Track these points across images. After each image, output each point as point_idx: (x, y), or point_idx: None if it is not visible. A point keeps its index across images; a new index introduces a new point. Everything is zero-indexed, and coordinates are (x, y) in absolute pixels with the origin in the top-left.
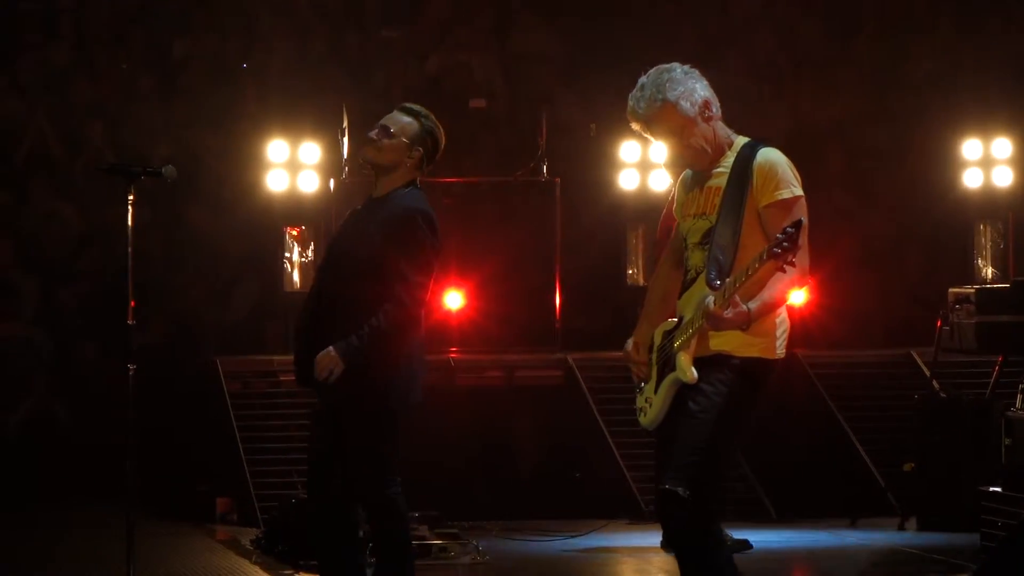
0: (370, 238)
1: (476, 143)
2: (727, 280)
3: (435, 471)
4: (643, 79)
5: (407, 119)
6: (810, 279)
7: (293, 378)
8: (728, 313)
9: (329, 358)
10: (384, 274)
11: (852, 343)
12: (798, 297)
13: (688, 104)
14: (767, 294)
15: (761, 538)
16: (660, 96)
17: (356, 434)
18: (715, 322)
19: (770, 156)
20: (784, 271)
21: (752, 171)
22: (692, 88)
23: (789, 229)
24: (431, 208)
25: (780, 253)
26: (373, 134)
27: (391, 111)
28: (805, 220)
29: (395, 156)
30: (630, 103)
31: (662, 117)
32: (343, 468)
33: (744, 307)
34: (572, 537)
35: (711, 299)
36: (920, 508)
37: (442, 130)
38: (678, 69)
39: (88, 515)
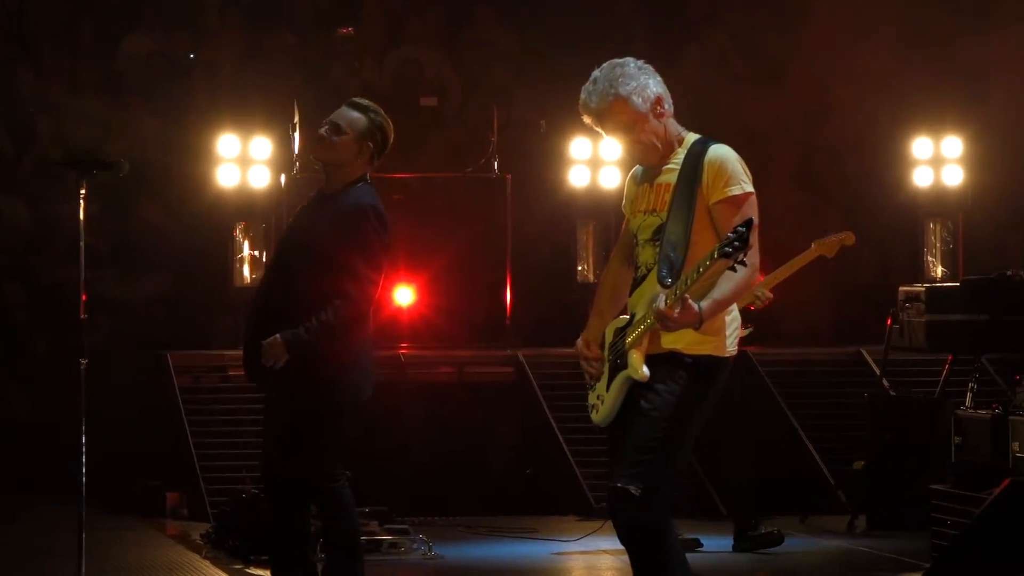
0: (321, 234)
1: (427, 140)
2: (678, 279)
3: (385, 467)
4: (596, 72)
5: (356, 115)
6: (760, 277)
7: (243, 373)
8: (678, 313)
9: (275, 345)
10: (334, 269)
11: (803, 341)
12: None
13: (640, 100)
14: (718, 293)
15: (711, 536)
16: (612, 90)
17: (303, 428)
18: (665, 322)
19: (721, 152)
20: (735, 270)
21: (703, 167)
22: (645, 83)
23: (740, 228)
24: (381, 204)
25: (731, 252)
26: (323, 131)
27: (341, 106)
28: (756, 219)
29: (346, 153)
30: (582, 96)
31: (614, 112)
32: (292, 461)
33: (695, 307)
34: (525, 534)
35: (662, 299)
36: (870, 506)
37: (391, 124)
38: (632, 64)
39: (38, 510)
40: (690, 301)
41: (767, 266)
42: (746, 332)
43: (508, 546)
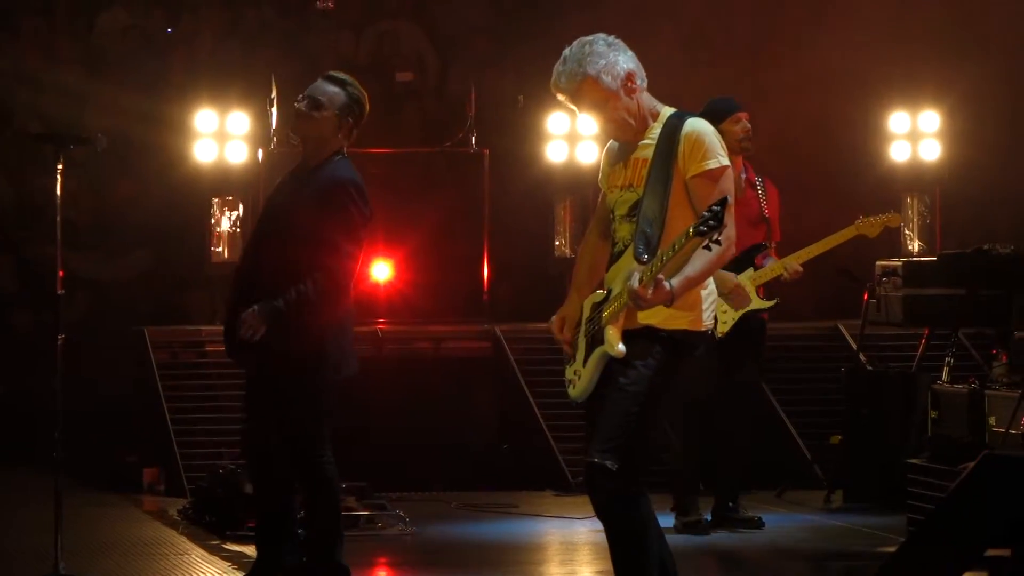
0: (300, 208)
1: (404, 114)
2: (655, 256)
3: (362, 442)
4: (567, 51)
5: (334, 89)
6: (734, 251)
7: (221, 348)
8: (651, 292)
9: (252, 316)
10: (314, 243)
11: (779, 315)
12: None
13: (609, 78)
14: (690, 270)
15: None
16: (581, 70)
17: (288, 404)
18: (638, 302)
19: (697, 126)
20: (709, 248)
21: (679, 141)
22: (614, 61)
23: (715, 207)
24: (361, 178)
25: (706, 231)
26: (302, 106)
27: (317, 80)
28: (731, 197)
29: (326, 128)
30: (553, 76)
31: (583, 91)
32: (276, 437)
33: (667, 285)
34: (502, 509)
35: (636, 278)
36: (846, 481)
37: (367, 97)
38: (601, 41)
39: (15, 484)
40: (662, 280)
41: (800, 236)
42: (772, 304)
43: (485, 521)
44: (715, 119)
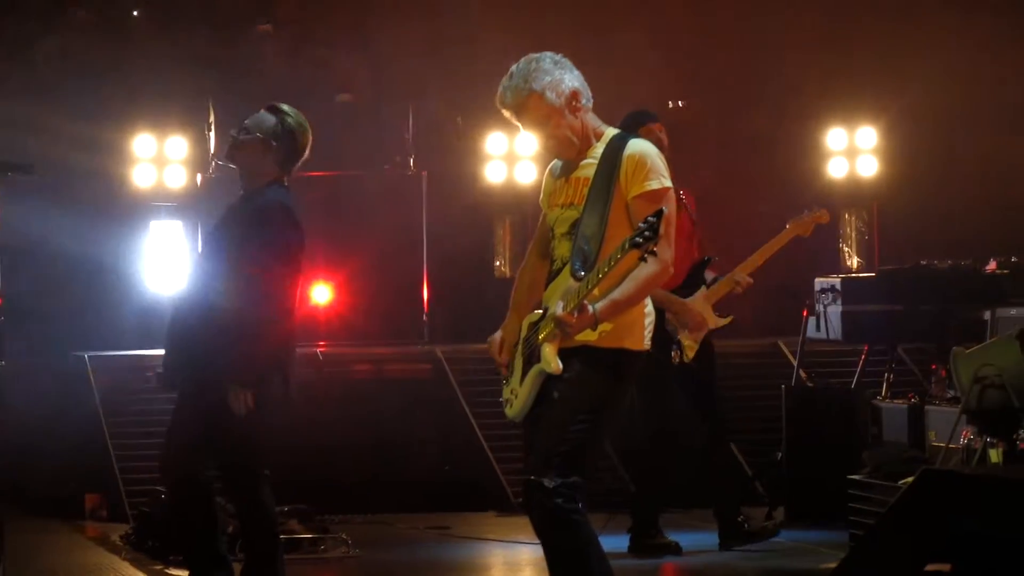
0: (234, 236)
1: (343, 137)
2: (592, 272)
3: (304, 465)
4: (513, 67)
5: (265, 115)
6: (672, 270)
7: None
8: (575, 317)
9: (235, 398)
10: (250, 272)
11: (719, 332)
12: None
13: (554, 95)
14: (618, 293)
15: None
16: (526, 86)
17: (226, 427)
18: (563, 327)
19: (640, 147)
20: (645, 260)
21: (621, 162)
22: (560, 78)
23: (651, 218)
24: (293, 203)
25: (641, 242)
26: (232, 133)
27: (256, 105)
28: (668, 211)
29: (251, 154)
30: (499, 91)
31: (528, 107)
32: (211, 459)
33: (590, 309)
34: (443, 531)
35: (560, 305)
36: (788, 497)
37: (307, 128)
38: (548, 58)
39: None
40: (586, 305)
41: (744, 251)
42: (726, 321)
43: (428, 544)
44: (629, 130)
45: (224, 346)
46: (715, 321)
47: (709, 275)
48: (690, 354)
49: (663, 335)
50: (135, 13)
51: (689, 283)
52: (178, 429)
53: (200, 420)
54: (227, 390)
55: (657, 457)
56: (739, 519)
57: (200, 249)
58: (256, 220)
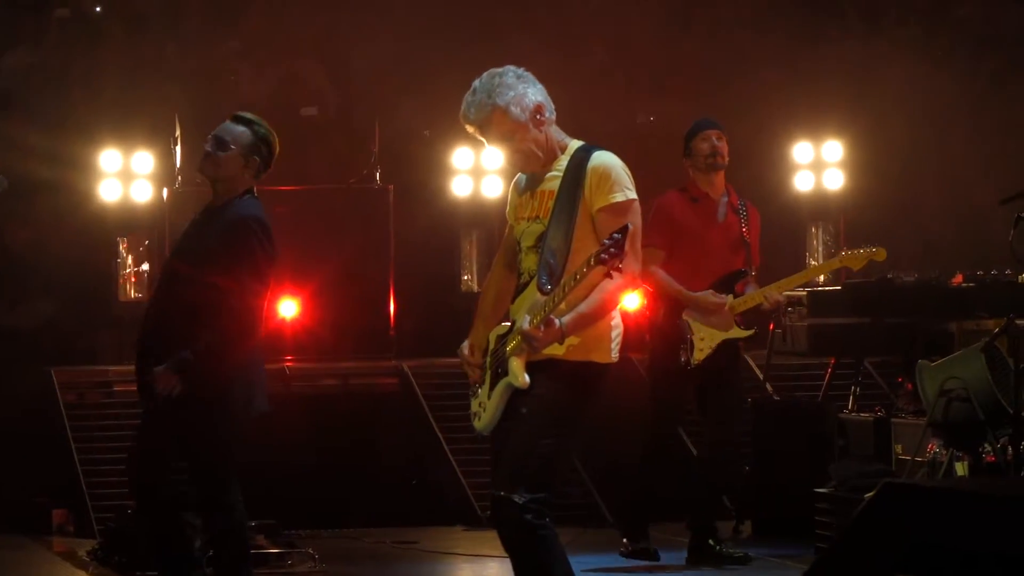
0: (206, 248)
1: (309, 151)
2: (557, 287)
3: (271, 479)
4: (476, 82)
5: (241, 129)
6: (639, 283)
7: (129, 388)
8: (541, 331)
9: (165, 376)
10: (220, 283)
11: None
12: (632, 302)
13: (518, 109)
14: (584, 306)
15: (597, 543)
16: (490, 101)
17: (196, 441)
18: (530, 341)
19: (604, 159)
20: (611, 276)
21: (586, 174)
22: (523, 93)
23: (616, 235)
24: (266, 216)
25: (607, 259)
26: (208, 147)
27: (223, 119)
28: (633, 226)
29: (232, 168)
30: (463, 107)
31: (492, 122)
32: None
33: (557, 323)
34: (411, 545)
35: (527, 320)
36: (754, 511)
37: (275, 136)
38: (511, 73)
39: None
40: (553, 319)
41: (783, 271)
42: (750, 333)
43: (395, 559)
44: (687, 136)
45: (190, 343)
46: (736, 331)
47: (748, 289)
48: (699, 356)
49: (675, 335)
50: (97, 9)
51: (718, 288)
52: (146, 435)
53: (169, 431)
54: (163, 370)
55: (656, 463)
56: (710, 542)
57: (169, 260)
58: (231, 234)
